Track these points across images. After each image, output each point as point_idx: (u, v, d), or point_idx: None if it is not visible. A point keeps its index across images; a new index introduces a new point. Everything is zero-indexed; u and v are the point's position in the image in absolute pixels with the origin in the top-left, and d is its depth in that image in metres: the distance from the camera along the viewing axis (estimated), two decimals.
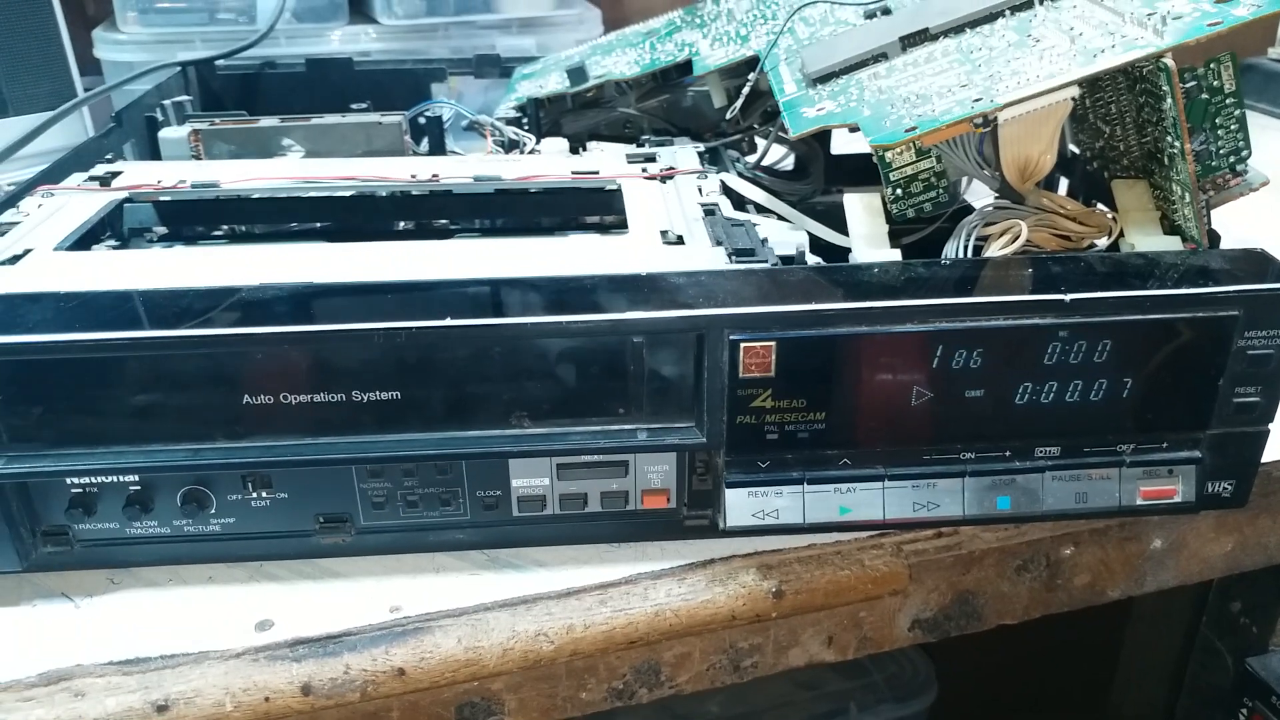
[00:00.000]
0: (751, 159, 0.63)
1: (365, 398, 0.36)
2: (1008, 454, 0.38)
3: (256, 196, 0.48)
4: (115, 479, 0.37)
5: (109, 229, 0.46)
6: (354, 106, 0.68)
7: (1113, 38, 0.38)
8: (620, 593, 0.40)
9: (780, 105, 0.47)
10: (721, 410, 0.36)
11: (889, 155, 0.42)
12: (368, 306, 0.36)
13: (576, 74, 0.64)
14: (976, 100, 0.38)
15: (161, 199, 0.48)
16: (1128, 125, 0.43)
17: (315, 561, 0.41)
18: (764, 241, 0.42)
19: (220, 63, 0.75)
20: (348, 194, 0.48)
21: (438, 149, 0.65)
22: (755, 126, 0.67)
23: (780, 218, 0.48)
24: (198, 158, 0.61)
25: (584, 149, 0.58)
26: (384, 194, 0.48)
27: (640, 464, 0.39)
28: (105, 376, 0.36)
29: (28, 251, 0.41)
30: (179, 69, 0.72)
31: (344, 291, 0.36)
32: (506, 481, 0.39)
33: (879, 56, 0.46)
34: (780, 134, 0.56)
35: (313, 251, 0.43)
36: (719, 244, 0.42)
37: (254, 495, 0.38)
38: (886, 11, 0.52)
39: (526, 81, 0.71)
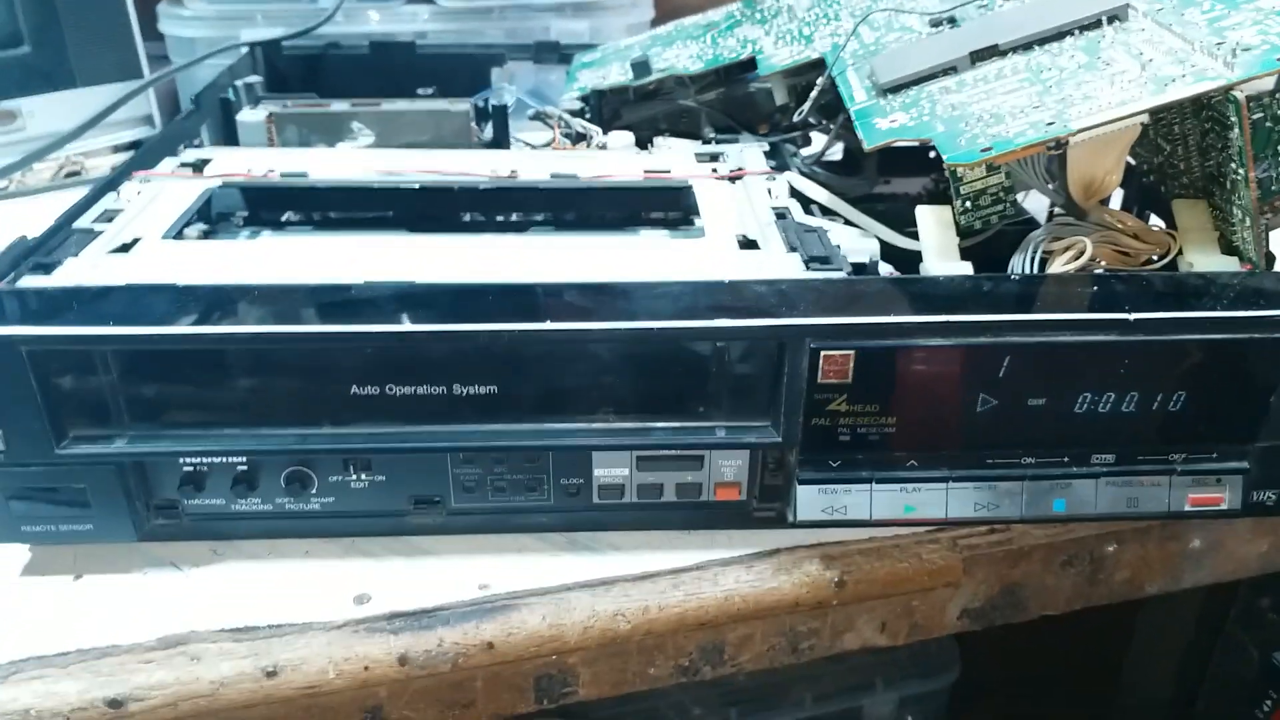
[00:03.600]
0: (806, 151, 0.64)
1: (465, 391, 0.39)
2: (1065, 460, 0.41)
3: (345, 187, 0.50)
4: (225, 459, 0.40)
5: (207, 217, 0.48)
6: (420, 92, 0.70)
7: (1182, 66, 0.40)
8: (692, 577, 0.42)
9: (851, 113, 0.49)
10: (798, 412, 0.39)
11: (961, 170, 0.43)
12: (470, 306, 0.38)
13: (640, 67, 0.66)
14: (1050, 124, 0.40)
15: (253, 187, 0.50)
16: (1190, 147, 0.44)
17: (406, 539, 0.43)
18: (837, 248, 0.44)
19: (286, 43, 0.77)
20: (433, 187, 0.50)
21: (501, 135, 0.67)
22: (811, 121, 0.69)
23: (847, 221, 0.50)
24: (272, 141, 0.63)
25: (651, 144, 0.60)
26: (468, 188, 0.51)
27: (715, 458, 0.41)
28: (222, 365, 0.38)
29: (137, 240, 0.44)
30: (247, 49, 0.74)
31: (447, 292, 0.39)
32: (589, 471, 0.41)
33: (949, 70, 0.48)
34: (844, 131, 0.57)
35: (405, 245, 0.46)
36: (793, 250, 0.44)
37: (354, 477, 0.41)
38: (952, 21, 0.53)
39: (587, 71, 0.72)
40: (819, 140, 0.65)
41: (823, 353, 0.37)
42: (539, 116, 0.66)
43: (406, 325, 0.37)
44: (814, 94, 0.55)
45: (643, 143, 0.65)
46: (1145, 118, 0.39)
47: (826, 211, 0.52)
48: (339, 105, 0.65)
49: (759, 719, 0.82)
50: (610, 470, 0.41)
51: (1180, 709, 0.80)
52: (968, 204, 0.44)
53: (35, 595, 0.40)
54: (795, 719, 0.83)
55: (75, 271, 0.41)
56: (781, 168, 0.59)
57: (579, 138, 0.62)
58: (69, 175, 0.80)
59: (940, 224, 0.43)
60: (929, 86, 0.47)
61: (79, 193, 0.78)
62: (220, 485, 0.41)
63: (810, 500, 0.40)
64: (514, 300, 0.38)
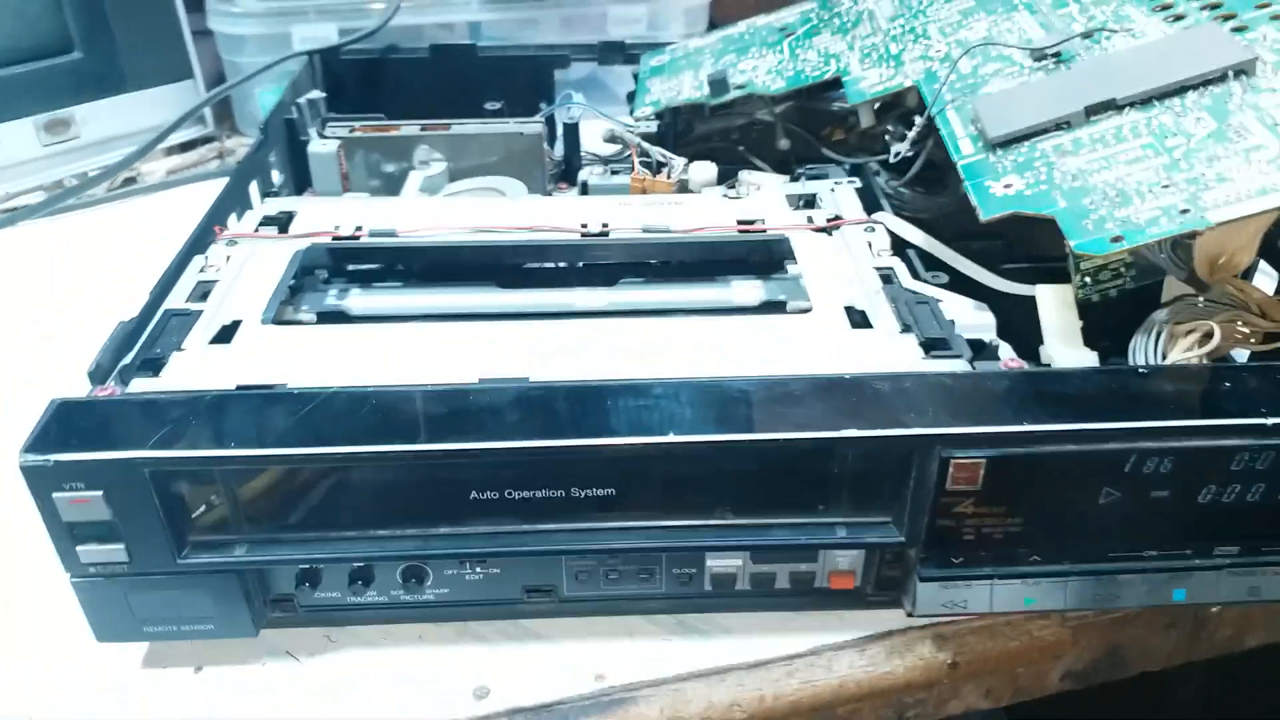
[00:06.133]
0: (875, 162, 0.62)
1: (582, 494, 0.38)
2: (1188, 552, 0.40)
3: (437, 246, 0.49)
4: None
5: (303, 289, 0.48)
6: (488, 106, 0.68)
7: None
8: (805, 664, 0.42)
9: (959, 168, 0.47)
10: (923, 513, 0.38)
11: None
12: (591, 413, 0.37)
13: (718, 85, 0.64)
14: (1184, 211, 0.38)
15: (342, 249, 0.49)
16: None
17: (517, 622, 0.43)
18: (952, 324, 0.43)
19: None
20: (526, 246, 0.49)
21: (572, 153, 0.66)
22: (889, 129, 0.67)
23: (949, 268, 0.48)
24: (343, 166, 0.62)
25: (735, 180, 0.58)
26: (561, 249, 0.49)
27: (831, 550, 0.41)
28: (342, 476, 0.38)
29: (237, 324, 0.43)
30: (306, 58, 0.72)
31: (566, 395, 0.38)
32: (702, 562, 0.41)
33: (1062, 124, 0.46)
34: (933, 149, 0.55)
35: (502, 314, 0.44)
36: (907, 328, 0.43)
37: (468, 570, 0.41)
38: (1058, 56, 0.51)
39: (657, 79, 0.70)
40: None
41: (954, 461, 0.37)
42: (614, 139, 0.64)
43: (529, 442, 0.36)
44: (912, 134, 0.53)
45: (719, 160, 0.64)
46: None
47: (931, 265, 0.50)
48: (407, 128, 0.64)
49: None
50: (724, 561, 0.41)
51: None
52: (1086, 280, 0.43)
53: (159, 689, 0.41)
54: None
55: (182, 369, 0.40)
56: (868, 192, 0.57)
57: (659, 167, 0.60)
58: (125, 183, 0.79)
59: (1061, 304, 0.42)
60: (1041, 144, 0.46)
61: (138, 203, 0.78)
62: (337, 581, 0.41)
63: (931, 596, 0.40)
64: (633, 403, 0.38)
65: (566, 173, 0.66)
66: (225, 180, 0.55)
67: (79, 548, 0.37)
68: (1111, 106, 0.45)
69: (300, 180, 0.65)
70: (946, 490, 0.37)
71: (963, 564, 0.40)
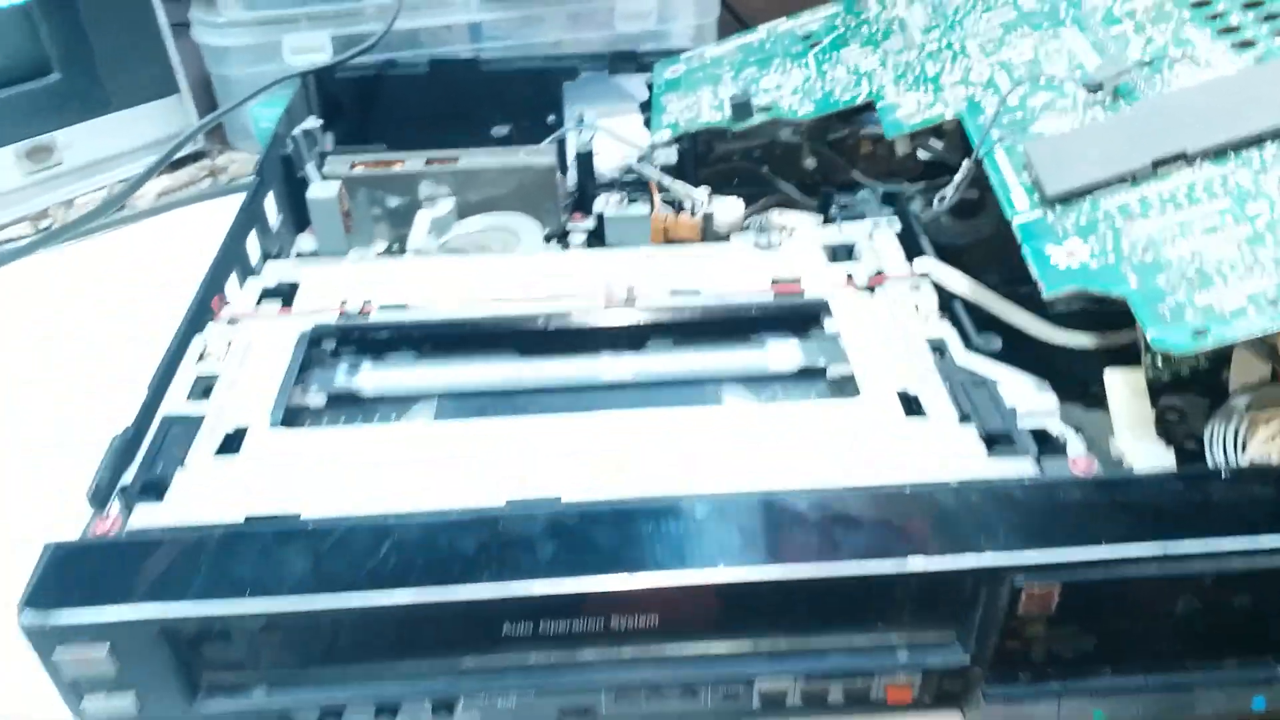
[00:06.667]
0: (915, 196, 0.59)
1: (623, 624, 0.36)
2: (1272, 660, 0.37)
3: (452, 321, 0.46)
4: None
5: (311, 364, 0.45)
6: (495, 132, 0.64)
7: None
8: None
9: (1014, 226, 0.44)
10: (990, 637, 0.36)
11: None
12: (631, 541, 0.34)
13: (741, 109, 0.59)
14: (1273, 302, 0.35)
15: (352, 325, 0.46)
16: None
17: None
18: (1013, 413, 0.40)
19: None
20: (546, 317, 0.46)
21: (587, 179, 0.62)
22: (921, 144, 0.64)
23: (1003, 324, 0.45)
24: (344, 204, 0.58)
25: (765, 221, 0.54)
26: (584, 323, 0.46)
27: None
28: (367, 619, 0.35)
29: (241, 431, 0.40)
30: (299, 79, 0.68)
31: (603, 519, 0.35)
32: (750, 679, 0.39)
33: (1126, 177, 0.42)
34: (973, 165, 0.52)
35: (531, 427, 0.41)
36: (965, 417, 0.40)
37: (501, 697, 0.38)
38: (1111, 90, 0.47)
39: (674, 96, 0.66)
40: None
41: (1026, 589, 0.34)
42: (632, 173, 0.60)
43: (566, 585, 0.33)
44: (957, 179, 0.50)
45: (741, 180, 0.60)
46: None
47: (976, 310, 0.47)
48: (412, 162, 0.60)
49: None
50: (774, 681, 0.38)
51: None
52: (1159, 360, 0.40)
53: None
54: None
55: (187, 489, 0.38)
56: (905, 220, 0.54)
57: (680, 208, 0.56)
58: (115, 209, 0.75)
59: (1133, 392, 0.39)
60: (1105, 202, 0.42)
61: (128, 231, 0.74)
62: (362, 712, 0.38)
63: (995, 713, 0.37)
64: (676, 528, 0.35)
65: (580, 202, 0.62)
66: (218, 201, 0.52)
67: (85, 699, 0.35)
68: (1181, 158, 0.42)
69: (300, 217, 0.61)
70: (1017, 615, 0.35)
71: (1030, 680, 0.37)
